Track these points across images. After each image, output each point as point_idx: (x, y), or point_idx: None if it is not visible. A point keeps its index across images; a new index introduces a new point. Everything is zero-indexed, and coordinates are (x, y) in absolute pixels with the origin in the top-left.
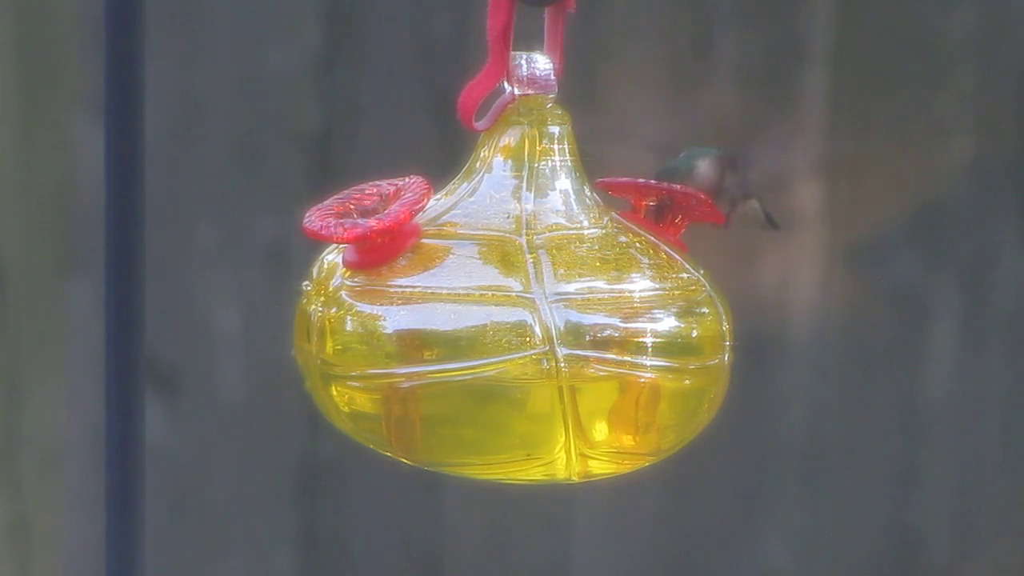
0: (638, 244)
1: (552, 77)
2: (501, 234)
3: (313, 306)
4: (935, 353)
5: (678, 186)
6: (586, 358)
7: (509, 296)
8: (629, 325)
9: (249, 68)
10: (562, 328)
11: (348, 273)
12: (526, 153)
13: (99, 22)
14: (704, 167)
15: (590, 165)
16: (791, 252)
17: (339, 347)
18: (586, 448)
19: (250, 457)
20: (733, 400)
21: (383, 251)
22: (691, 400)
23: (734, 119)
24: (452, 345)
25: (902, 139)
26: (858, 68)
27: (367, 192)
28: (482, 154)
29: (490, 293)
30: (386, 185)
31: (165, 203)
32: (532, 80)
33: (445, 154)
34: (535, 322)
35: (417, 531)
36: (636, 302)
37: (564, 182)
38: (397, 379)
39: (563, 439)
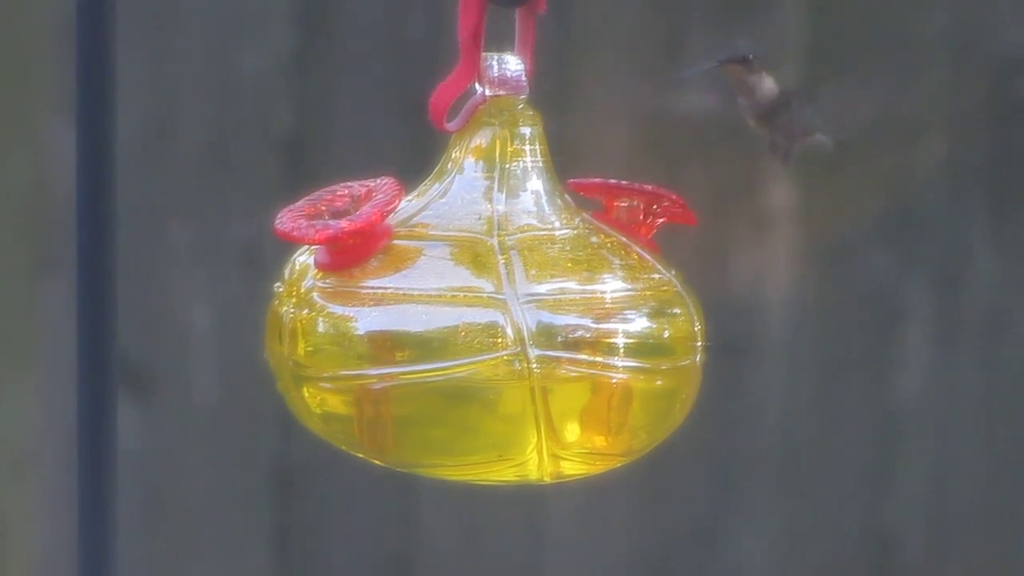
0: (609, 245)
1: (523, 78)
2: (473, 235)
3: (285, 308)
4: (908, 353)
5: (649, 187)
6: (558, 359)
7: (481, 297)
8: (601, 326)
9: (222, 69)
10: (534, 329)
11: (320, 274)
12: (497, 154)
13: (71, 22)
14: (769, 81)
15: (561, 166)
16: (763, 252)
17: (311, 348)
18: (558, 449)
19: (223, 458)
20: (706, 401)
21: (355, 252)
22: (663, 401)
23: (709, 117)
24: (424, 346)
25: (875, 139)
26: (831, 67)
27: (339, 193)
28: (453, 155)
29: (462, 294)
30: (358, 186)
31: (138, 204)
32: (503, 81)
33: (417, 155)
34: (507, 323)
35: (390, 532)
36: (608, 303)
37: (536, 183)
38: (369, 380)
39: (535, 440)
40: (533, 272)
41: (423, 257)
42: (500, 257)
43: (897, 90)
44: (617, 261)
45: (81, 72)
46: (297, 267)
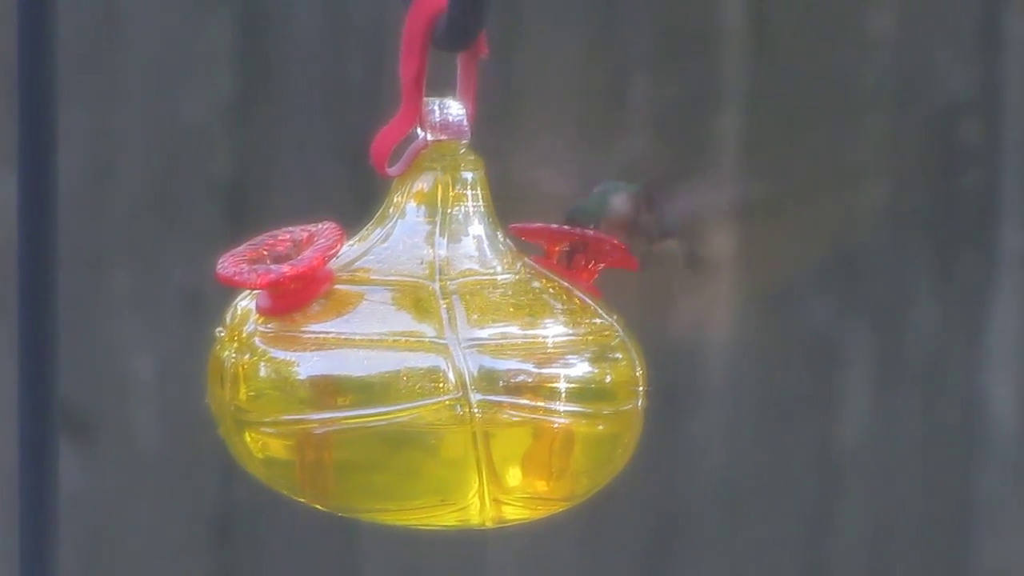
0: (551, 290)
1: (465, 123)
2: (414, 280)
3: (227, 352)
4: (849, 399)
5: (591, 231)
6: (500, 404)
7: (422, 342)
8: (542, 371)
9: (162, 114)
10: (475, 374)
11: (261, 319)
12: (439, 199)
13: (11, 68)
14: (618, 203)
15: (503, 210)
16: (705, 297)
17: (252, 393)
18: (500, 494)
19: (165, 504)
20: (648, 445)
21: (296, 297)
22: (605, 446)
23: (648, 165)
24: (365, 391)
25: (816, 184)
26: (772, 113)
27: (280, 238)
28: (395, 200)
29: (403, 339)
30: (299, 231)
31: (79, 249)
32: (445, 126)
33: (358, 200)
34: (448, 368)
35: None
36: (549, 348)
37: (477, 228)
38: (311, 425)
39: (477, 485)
40: (475, 317)
41: (365, 302)
42: (442, 302)
43: (838, 135)
44: (559, 306)
45: (22, 118)
46: (239, 312)
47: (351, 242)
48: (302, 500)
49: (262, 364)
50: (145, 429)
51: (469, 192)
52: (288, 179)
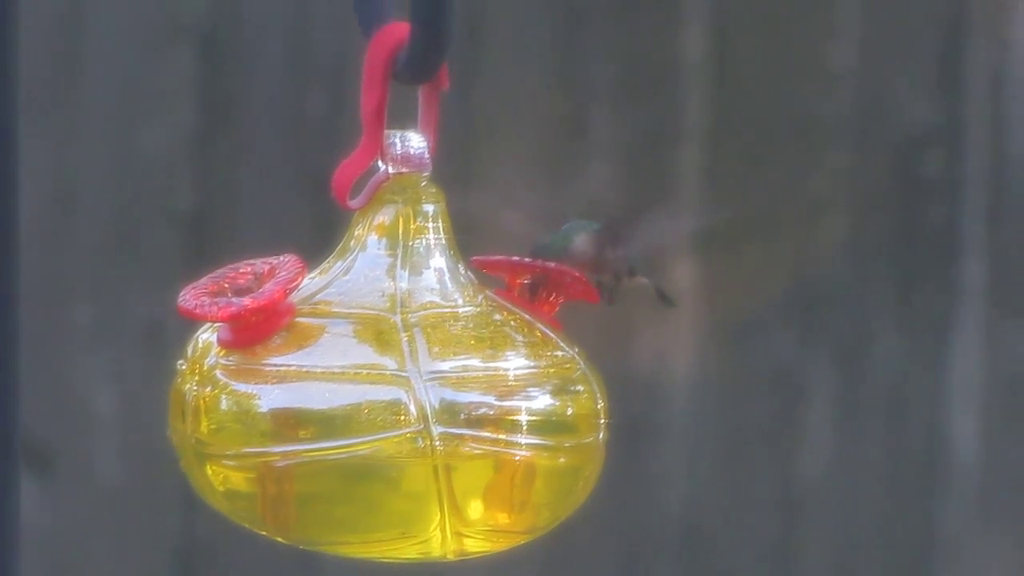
0: (512, 322)
1: (426, 155)
2: (375, 312)
3: (188, 385)
4: (811, 432)
5: (552, 264)
6: (461, 436)
7: (384, 374)
8: (504, 403)
9: (124, 146)
10: (437, 406)
11: (223, 352)
12: (400, 231)
13: None
14: (581, 242)
15: (464, 243)
16: (667, 330)
17: (214, 426)
18: (461, 526)
19: (127, 538)
20: (609, 478)
21: (257, 330)
22: (566, 478)
23: (610, 198)
24: (327, 424)
25: (778, 218)
26: (734, 147)
27: (241, 271)
28: (356, 232)
29: (365, 371)
30: (260, 264)
31: (40, 282)
32: (406, 158)
33: (320, 233)
34: (410, 400)
35: None
36: (511, 380)
37: (438, 260)
38: (272, 458)
39: (438, 517)
40: (436, 349)
41: (326, 334)
42: (403, 334)
43: (799, 169)
44: (520, 338)
45: None
46: (200, 344)
47: (312, 275)
48: (264, 533)
49: (223, 397)
50: (106, 462)
51: (430, 225)
52: (249, 212)
